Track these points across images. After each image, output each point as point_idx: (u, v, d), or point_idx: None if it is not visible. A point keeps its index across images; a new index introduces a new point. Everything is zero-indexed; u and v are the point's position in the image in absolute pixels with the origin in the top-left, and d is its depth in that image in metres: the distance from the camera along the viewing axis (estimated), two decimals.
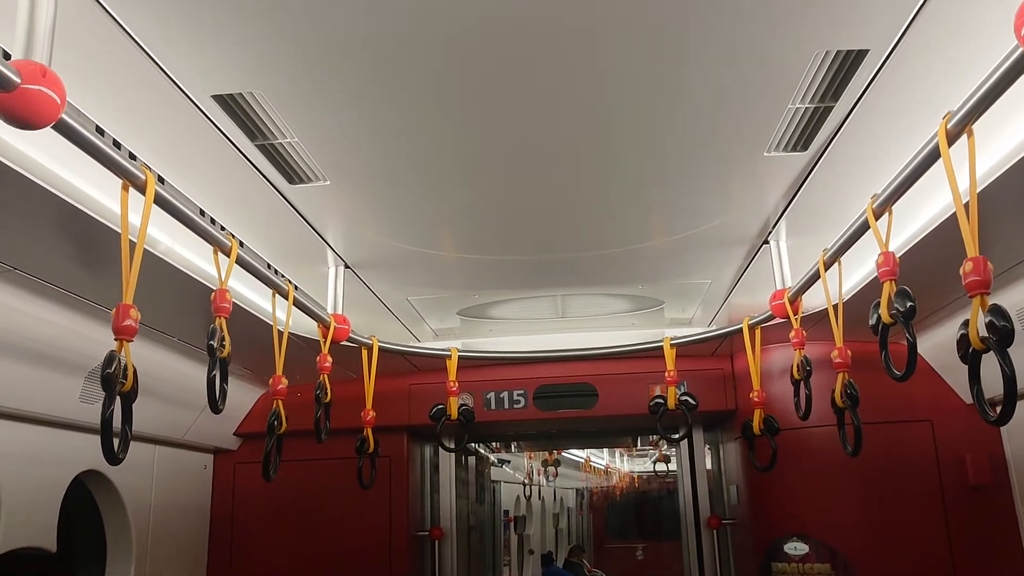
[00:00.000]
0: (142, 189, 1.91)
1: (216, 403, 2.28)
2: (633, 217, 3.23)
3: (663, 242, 3.50)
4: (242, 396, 5.08)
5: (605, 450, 13.18)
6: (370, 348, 3.75)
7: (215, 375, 2.26)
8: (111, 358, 1.78)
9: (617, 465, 14.32)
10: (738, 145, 2.53)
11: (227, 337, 2.32)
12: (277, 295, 2.92)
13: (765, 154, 2.55)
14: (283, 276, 3.68)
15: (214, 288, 3.37)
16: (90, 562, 4.28)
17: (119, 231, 2.72)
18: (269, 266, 3.59)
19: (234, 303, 3.46)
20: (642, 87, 2.16)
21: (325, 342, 3.28)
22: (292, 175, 2.61)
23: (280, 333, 2.85)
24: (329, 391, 3.24)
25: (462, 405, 4.08)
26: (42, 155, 2.17)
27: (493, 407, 5.03)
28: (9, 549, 3.32)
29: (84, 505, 4.25)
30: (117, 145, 2.39)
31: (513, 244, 3.52)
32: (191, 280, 2.96)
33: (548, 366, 5.03)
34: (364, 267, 3.62)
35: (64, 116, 1.60)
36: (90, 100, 2.19)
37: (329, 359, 3.25)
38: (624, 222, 3.29)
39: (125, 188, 1.90)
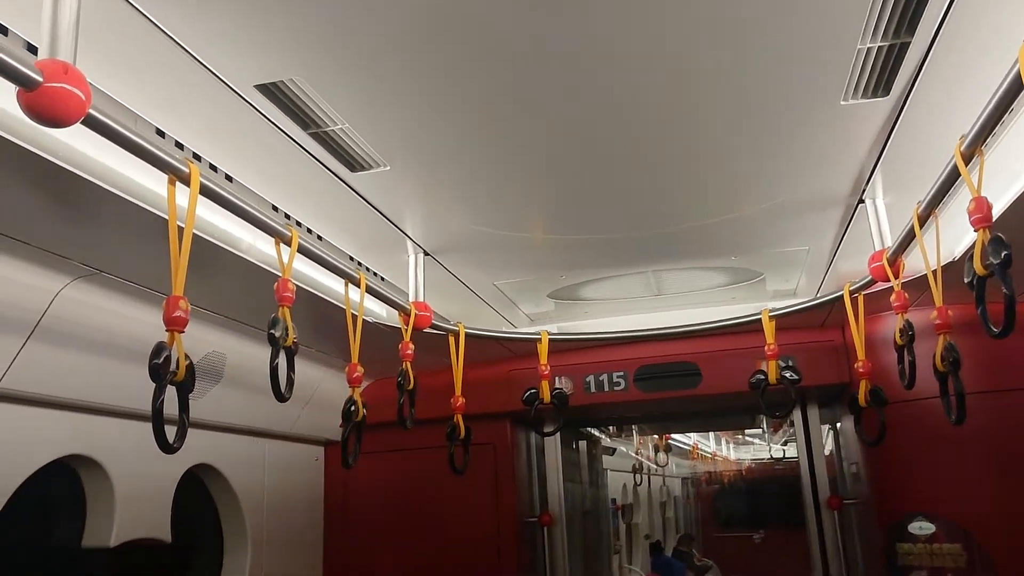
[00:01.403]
0: (187, 182, 1.93)
1: (280, 392, 2.29)
2: (720, 186, 3.09)
3: (753, 210, 3.32)
4: (345, 388, 5.17)
5: (711, 436, 12.80)
6: (456, 335, 3.73)
7: (277, 364, 2.27)
8: (159, 349, 1.81)
9: (724, 452, 13.90)
10: (813, 95, 2.35)
11: (291, 326, 2.33)
12: (351, 284, 2.92)
13: (842, 103, 2.36)
14: (362, 266, 3.72)
15: (309, 288, 3.52)
16: (209, 553, 4.47)
17: (208, 239, 2.87)
18: (353, 259, 3.64)
19: (328, 298, 3.58)
20: (711, 40, 2.04)
21: (406, 330, 3.28)
22: (351, 162, 2.60)
23: (355, 321, 2.86)
24: (412, 379, 3.24)
25: (556, 389, 4.01)
26: (135, 171, 2.29)
27: (593, 390, 4.93)
28: (124, 541, 3.49)
29: (203, 498, 4.44)
30: (180, 145, 2.45)
31: (599, 222, 3.43)
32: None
33: (648, 346, 4.91)
34: (444, 253, 3.60)
35: (93, 112, 1.62)
36: (147, 104, 2.25)
37: (411, 347, 3.25)
38: (711, 192, 3.15)
39: (172, 183, 1.93)
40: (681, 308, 4.74)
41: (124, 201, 2.32)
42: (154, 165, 1.87)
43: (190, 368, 1.91)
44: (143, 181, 2.33)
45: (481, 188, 2.97)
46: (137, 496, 3.57)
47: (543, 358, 3.99)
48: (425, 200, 3.04)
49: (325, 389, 4.73)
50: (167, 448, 1.84)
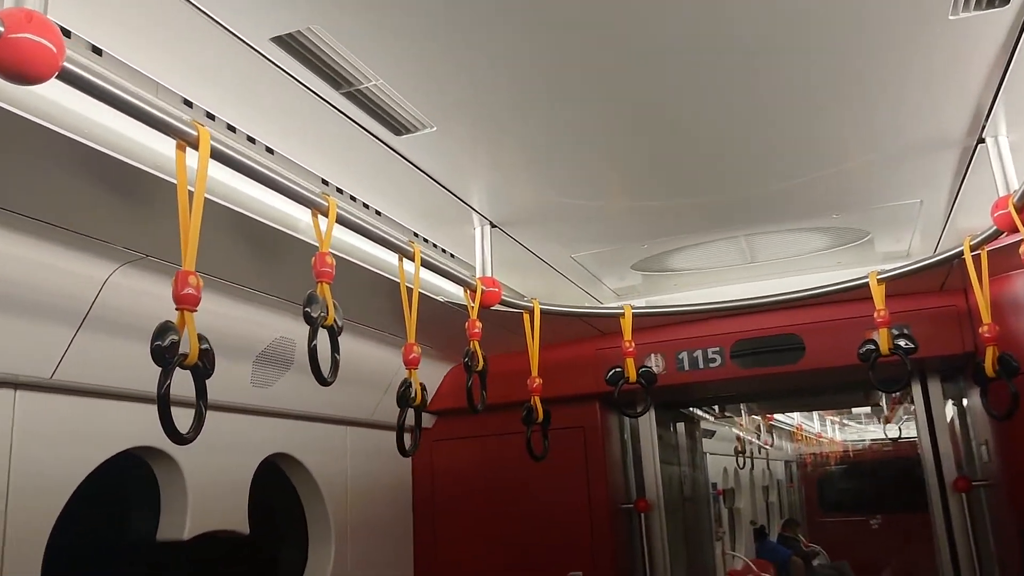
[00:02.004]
0: (196, 145, 1.75)
1: (321, 374, 2.11)
2: (817, 137, 2.76)
3: (856, 163, 2.96)
4: (430, 372, 5.02)
5: (815, 416, 12.10)
6: (531, 312, 3.49)
7: (315, 345, 2.08)
8: (162, 330, 1.63)
9: (830, 433, 13.14)
10: (914, 11, 1.99)
11: (331, 304, 2.14)
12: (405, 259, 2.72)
13: (951, 17, 1.99)
14: (428, 242, 3.52)
15: (379, 271, 3.35)
16: (295, 544, 4.39)
17: (283, 230, 2.74)
18: (417, 235, 3.45)
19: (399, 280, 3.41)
20: None
21: (473, 307, 3.06)
22: (394, 124, 2.39)
23: (410, 297, 2.66)
24: (482, 359, 3.02)
25: (643, 367, 3.72)
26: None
27: (686, 368, 4.61)
28: (200, 533, 3.41)
29: (288, 488, 4.37)
30: (211, 116, 2.30)
31: (683, 185, 3.15)
32: (358, 267, 3.01)
33: (746, 319, 4.55)
34: (513, 225, 3.36)
35: (72, 67, 1.45)
36: (171, 72, 2.10)
37: (478, 325, 3.03)
38: (808, 145, 2.82)
39: (181, 148, 1.75)
40: (779, 276, 4.36)
41: (169, 184, 2.20)
42: (155, 127, 1.70)
43: (207, 352, 1.73)
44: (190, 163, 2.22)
45: (548, 151, 2.72)
46: (210, 488, 3.49)
47: (627, 334, 3.71)
48: (483, 165, 2.81)
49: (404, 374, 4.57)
50: (179, 438, 1.67)
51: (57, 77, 1.43)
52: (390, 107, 2.27)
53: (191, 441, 1.73)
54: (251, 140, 2.46)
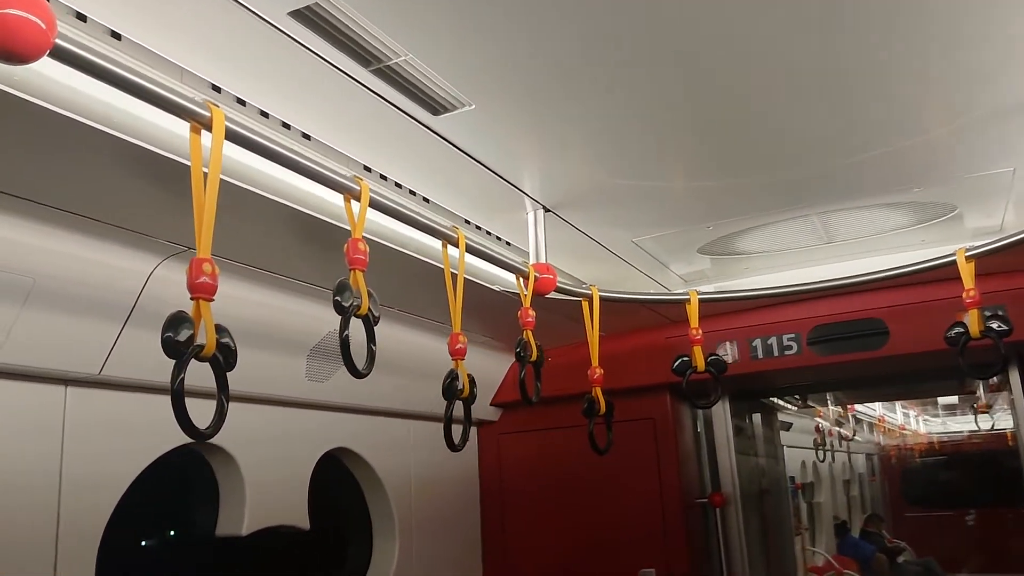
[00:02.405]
0: (210, 127, 1.67)
1: (353, 366, 2.01)
2: (899, 103, 2.53)
3: (939, 129, 2.73)
4: (494, 365, 4.92)
5: (897, 407, 11.48)
6: (589, 299, 3.34)
7: (347, 336, 1.98)
8: (175, 320, 1.55)
9: (913, 425, 12.46)
10: None
11: (364, 292, 2.04)
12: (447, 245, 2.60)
13: None
14: (481, 229, 3.40)
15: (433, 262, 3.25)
16: (361, 539, 4.34)
17: (335, 223, 2.67)
18: (469, 222, 3.34)
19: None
20: None
21: (526, 296, 2.93)
22: (431, 104, 2.28)
23: (455, 286, 2.54)
24: (535, 349, 2.89)
25: (711, 355, 3.53)
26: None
27: (760, 355, 4.38)
28: (258, 528, 3.38)
29: (351, 483, 4.33)
30: (241, 102, 2.22)
31: (749, 162, 2.95)
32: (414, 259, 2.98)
33: (824, 303, 4.31)
34: (567, 208, 3.21)
35: (64, 43, 1.38)
36: (195, 56, 2.04)
37: (531, 314, 2.89)
38: (884, 112, 2.59)
39: (196, 131, 1.67)
40: (859, 257, 4.09)
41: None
42: (165, 108, 1.62)
43: (226, 344, 1.64)
44: (238, 156, 2.18)
45: (601, 129, 2.56)
46: (268, 483, 3.46)
47: (693, 321, 3.52)
48: (530, 145, 2.67)
49: (469, 365, 4.47)
50: (196, 434, 1.59)
51: (50, 55, 1.36)
52: (423, 84, 2.16)
53: (210, 437, 1.65)
54: (286, 126, 2.38)
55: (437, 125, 2.40)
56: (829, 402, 8.52)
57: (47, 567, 2.58)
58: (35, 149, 2.02)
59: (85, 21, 1.81)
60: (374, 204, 2.18)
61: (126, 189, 2.30)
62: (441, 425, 4.72)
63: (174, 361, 1.56)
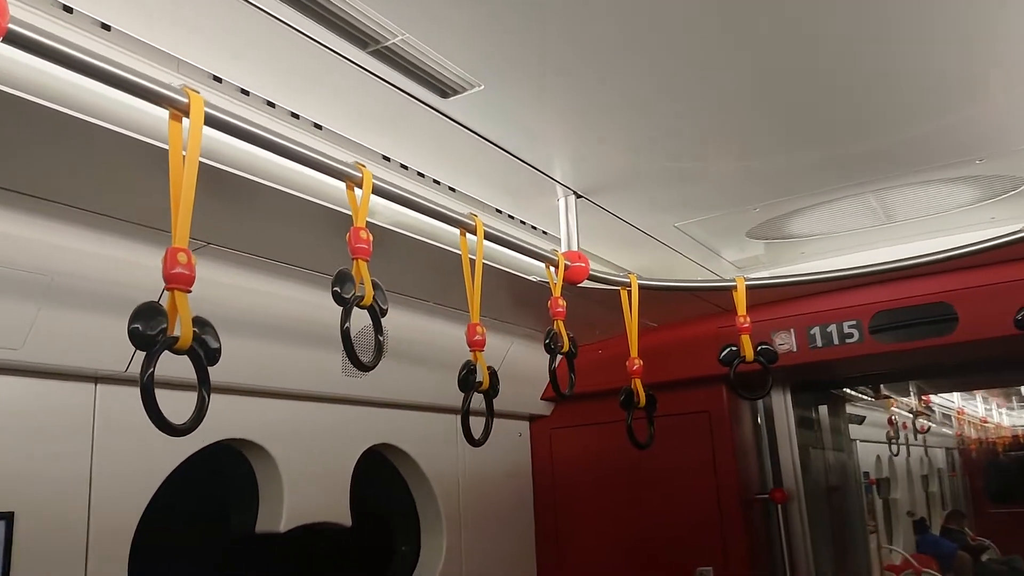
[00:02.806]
0: (187, 113, 1.61)
1: (358, 358, 1.94)
2: (957, 68, 2.34)
3: (1006, 95, 2.51)
4: (544, 358, 4.81)
5: (979, 398, 10.82)
6: (628, 287, 3.20)
7: (348, 327, 1.91)
8: (144, 311, 1.50)
9: (996, 417, 11.70)
10: None
11: (368, 283, 1.97)
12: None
13: None
14: (514, 219, 3.31)
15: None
16: (407, 536, 4.30)
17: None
18: (500, 211, 3.25)
19: (496, 265, 3.25)
20: None
21: (555, 284, 2.82)
22: (437, 86, 2.19)
23: (472, 275, 2.45)
24: (566, 340, 2.78)
25: (761, 344, 3.36)
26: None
27: (819, 344, 4.17)
28: (296, 526, 3.36)
29: (398, 480, 4.29)
30: (245, 92, 2.18)
31: (796, 137, 2.77)
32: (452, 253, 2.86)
33: (886, 288, 4.07)
34: (600, 193, 3.09)
35: (18, 28, 1.34)
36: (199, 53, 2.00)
37: (562, 304, 2.78)
38: (944, 79, 2.40)
39: (176, 118, 1.62)
40: (922, 237, 3.84)
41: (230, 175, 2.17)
42: (141, 96, 1.58)
43: (201, 338, 1.59)
44: (268, 158, 2.15)
45: (630, 105, 2.42)
46: (307, 480, 3.43)
47: (741, 309, 3.36)
48: (552, 126, 2.56)
49: (516, 359, 4.39)
50: (170, 429, 1.54)
51: (4, 40, 1.32)
52: (426, 65, 2.07)
53: (186, 432, 1.59)
54: (295, 116, 2.33)
55: (448, 108, 2.32)
56: (900, 393, 8.13)
57: (78, 565, 2.59)
58: (51, 148, 2.02)
59: (71, 12, 1.78)
60: (381, 192, 2.11)
61: (144, 186, 2.28)
62: (495, 420, 4.67)
63: (144, 354, 1.50)
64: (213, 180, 2.20)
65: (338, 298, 1.91)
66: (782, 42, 2.10)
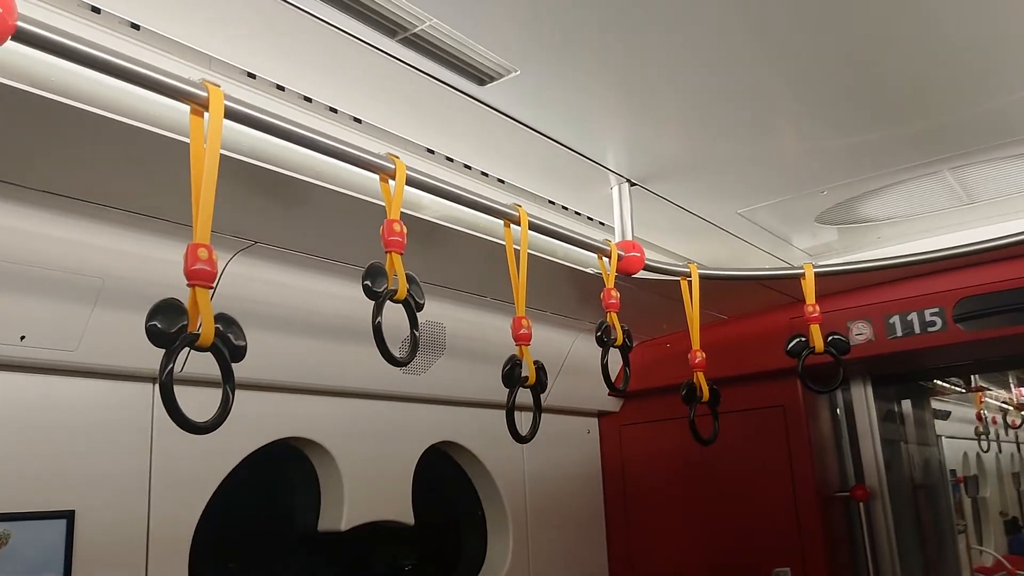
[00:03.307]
0: (207, 107, 1.59)
1: (391, 354, 1.90)
2: None
3: None
4: (611, 352, 4.71)
5: None
6: (688, 277, 3.09)
7: (380, 322, 1.87)
8: (163, 308, 1.48)
9: None
10: None
11: (402, 276, 1.93)
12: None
13: None
14: (568, 210, 3.22)
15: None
16: (474, 536, 4.26)
17: (414, 214, 2.64)
18: (553, 202, 3.17)
19: (557, 260, 3.19)
20: None
21: (608, 275, 2.73)
22: (472, 73, 2.13)
23: (518, 267, 2.38)
24: (620, 333, 2.69)
25: (832, 334, 3.19)
26: None
27: (899, 333, 3.95)
28: (357, 524, 3.36)
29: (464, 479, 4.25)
30: (281, 87, 2.16)
31: (867, 115, 2.61)
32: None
33: (972, 273, 3.83)
34: (655, 180, 2.98)
35: (28, 26, 1.33)
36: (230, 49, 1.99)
37: (615, 295, 2.69)
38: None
39: (197, 113, 1.61)
40: (1007, 218, 3.58)
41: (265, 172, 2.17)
42: (160, 92, 1.56)
43: (225, 335, 1.57)
44: (320, 157, 2.17)
45: (678, 85, 2.31)
46: (368, 478, 3.43)
47: (809, 297, 3.20)
48: (601, 111, 2.46)
49: (581, 354, 4.31)
50: (192, 427, 1.52)
51: (14, 39, 1.32)
52: (457, 51, 2.02)
53: (209, 431, 1.57)
54: (333, 110, 2.31)
55: (486, 96, 2.25)
56: (995, 385, 7.68)
57: (139, 564, 2.63)
58: (102, 153, 2.05)
59: (99, 13, 1.79)
60: (416, 183, 2.06)
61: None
62: (555, 416, 4.61)
63: (164, 351, 1.48)
64: (267, 181, 2.22)
65: (369, 292, 1.88)
66: (849, 12, 1.96)
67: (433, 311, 3.45)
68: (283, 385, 3.13)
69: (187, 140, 1.94)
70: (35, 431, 2.45)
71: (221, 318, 1.57)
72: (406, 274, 1.97)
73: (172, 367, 1.46)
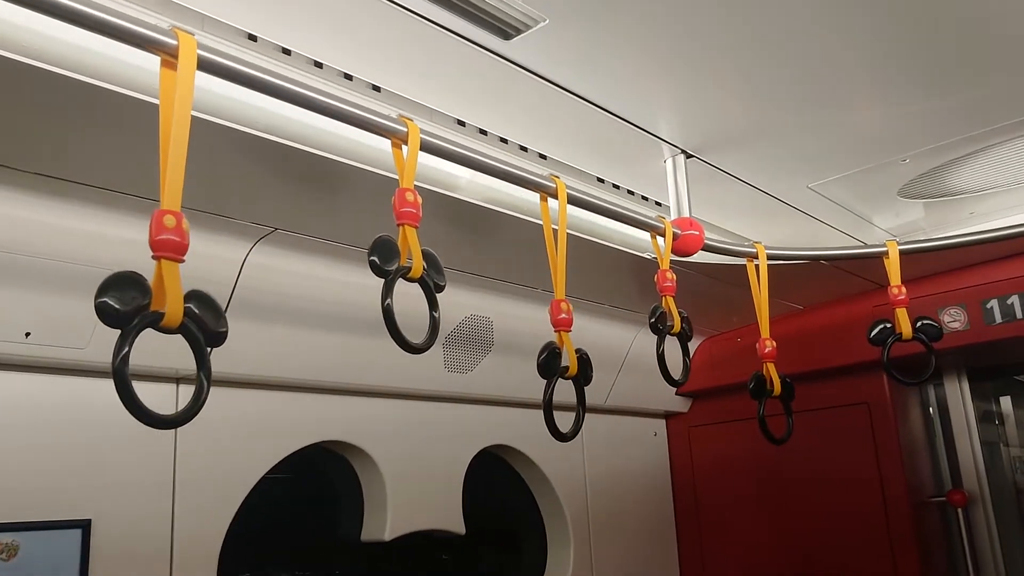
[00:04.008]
0: (176, 55, 1.39)
1: (405, 339, 1.67)
2: None
3: None
4: (677, 348, 4.41)
5: None
6: (754, 258, 2.78)
7: (389, 303, 1.65)
8: (118, 281, 1.27)
9: None
10: None
11: (417, 253, 1.70)
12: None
13: None
14: (620, 188, 2.96)
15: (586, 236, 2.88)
16: (532, 545, 4.01)
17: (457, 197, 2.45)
18: (602, 179, 2.91)
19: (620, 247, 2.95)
20: None
21: (662, 257, 2.46)
22: (494, 24, 1.89)
23: (556, 246, 2.12)
24: (677, 319, 2.41)
25: (922, 319, 2.85)
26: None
27: (998, 320, 3.55)
28: (402, 534, 3.14)
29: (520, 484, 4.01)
30: (319, 64, 1.97)
31: (945, 73, 2.28)
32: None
33: None
34: (714, 151, 2.68)
35: None
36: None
37: (670, 277, 2.41)
38: None
39: (169, 66, 1.40)
40: None
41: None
42: (125, 41, 1.36)
43: (197, 315, 1.36)
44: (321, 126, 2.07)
45: (738, 41, 2.04)
46: (413, 484, 3.21)
47: (894, 278, 2.87)
48: (642, 68, 2.18)
49: (644, 350, 4.02)
50: (155, 421, 1.32)
51: None
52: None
53: (177, 424, 1.36)
54: (348, 77, 2.10)
55: (512, 52, 2.01)
56: None
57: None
58: (110, 135, 1.91)
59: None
60: (431, 149, 1.83)
61: (210, 172, 2.14)
62: (623, 418, 4.32)
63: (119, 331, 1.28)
64: (294, 161, 2.05)
65: (377, 269, 1.65)
66: None
67: (478, 304, 3.23)
68: (319, 385, 2.94)
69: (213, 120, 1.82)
70: (46, 435, 2.30)
71: (195, 296, 1.36)
72: (423, 251, 1.73)
73: (128, 351, 1.26)
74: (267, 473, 2.80)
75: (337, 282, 2.79)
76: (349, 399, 3.05)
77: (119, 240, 2.27)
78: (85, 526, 2.31)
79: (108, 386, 2.36)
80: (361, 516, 3.19)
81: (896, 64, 2.21)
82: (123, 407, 1.29)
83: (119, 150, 1.99)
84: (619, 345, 3.97)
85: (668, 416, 4.64)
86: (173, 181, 1.34)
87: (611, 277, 3.35)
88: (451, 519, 3.33)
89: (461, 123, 2.38)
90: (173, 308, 1.31)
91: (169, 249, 1.32)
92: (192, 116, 1.75)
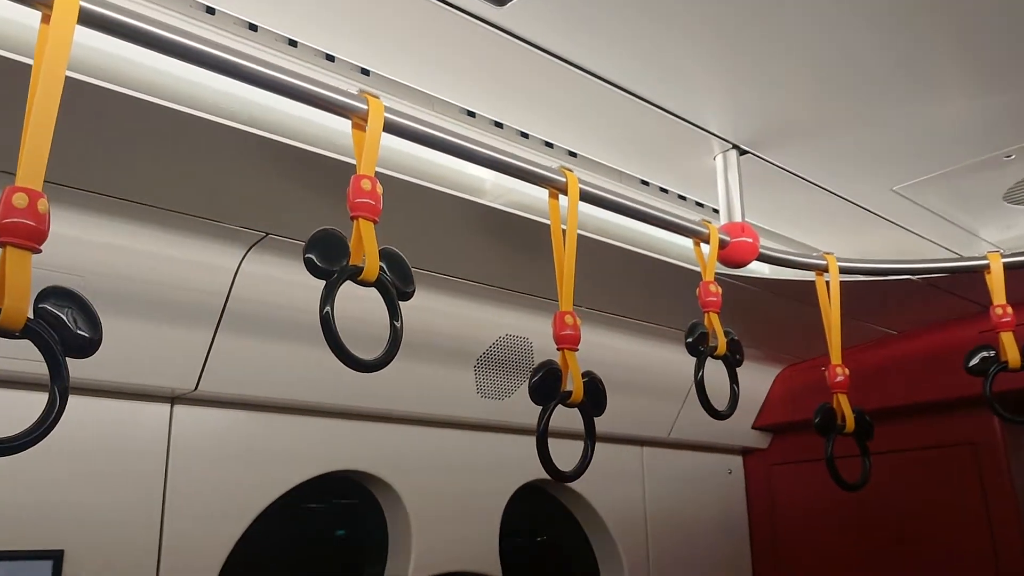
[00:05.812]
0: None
1: (347, 355, 1.39)
2: None
3: None
4: (757, 378, 4.00)
5: None
6: (824, 270, 2.39)
7: (328, 311, 1.37)
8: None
9: None
10: None
11: (372, 250, 1.42)
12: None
13: None
14: (669, 192, 2.61)
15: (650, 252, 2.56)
16: None
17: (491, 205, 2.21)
18: (646, 183, 2.57)
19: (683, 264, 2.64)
20: None
21: (707, 266, 2.10)
22: None
23: (564, 247, 1.80)
24: (722, 339, 2.05)
25: None
26: None
27: None
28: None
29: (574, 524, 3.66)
30: (331, 58, 1.74)
31: None
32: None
33: None
34: (772, 146, 2.31)
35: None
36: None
37: (714, 290, 2.06)
38: None
39: (46, 20, 1.18)
40: None
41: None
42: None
43: (58, 313, 1.10)
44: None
45: (804, 14, 1.71)
46: (442, 521, 2.92)
47: (997, 297, 2.44)
48: (682, 43, 1.86)
49: (714, 380, 3.62)
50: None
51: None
52: None
53: (23, 447, 1.11)
54: (330, 58, 1.85)
55: (507, 20, 1.71)
56: None
57: None
58: (96, 137, 1.72)
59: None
60: (396, 129, 1.55)
61: (212, 179, 1.94)
62: (691, 453, 3.92)
63: None
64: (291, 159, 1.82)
65: (314, 268, 1.37)
66: None
67: (513, 323, 2.92)
68: (333, 408, 2.69)
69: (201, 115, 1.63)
70: (15, 456, 2.11)
71: (48, 293, 1.11)
72: (385, 250, 1.45)
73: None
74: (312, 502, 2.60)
75: (353, 296, 2.54)
76: (371, 425, 2.79)
77: (117, 248, 2.09)
78: (57, 557, 2.11)
79: (85, 404, 2.18)
80: (385, 555, 2.91)
81: (992, 42, 1.81)
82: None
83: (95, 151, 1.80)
84: (684, 372, 3.57)
85: (745, 453, 4.20)
86: (30, 154, 1.09)
87: (667, 295, 3.00)
88: (486, 560, 3.01)
89: (471, 114, 2.10)
90: (13, 305, 1.06)
91: (21, 235, 1.07)
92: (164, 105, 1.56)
